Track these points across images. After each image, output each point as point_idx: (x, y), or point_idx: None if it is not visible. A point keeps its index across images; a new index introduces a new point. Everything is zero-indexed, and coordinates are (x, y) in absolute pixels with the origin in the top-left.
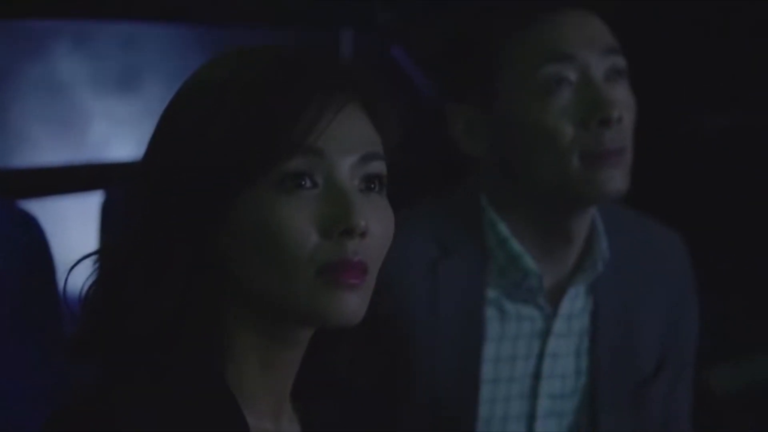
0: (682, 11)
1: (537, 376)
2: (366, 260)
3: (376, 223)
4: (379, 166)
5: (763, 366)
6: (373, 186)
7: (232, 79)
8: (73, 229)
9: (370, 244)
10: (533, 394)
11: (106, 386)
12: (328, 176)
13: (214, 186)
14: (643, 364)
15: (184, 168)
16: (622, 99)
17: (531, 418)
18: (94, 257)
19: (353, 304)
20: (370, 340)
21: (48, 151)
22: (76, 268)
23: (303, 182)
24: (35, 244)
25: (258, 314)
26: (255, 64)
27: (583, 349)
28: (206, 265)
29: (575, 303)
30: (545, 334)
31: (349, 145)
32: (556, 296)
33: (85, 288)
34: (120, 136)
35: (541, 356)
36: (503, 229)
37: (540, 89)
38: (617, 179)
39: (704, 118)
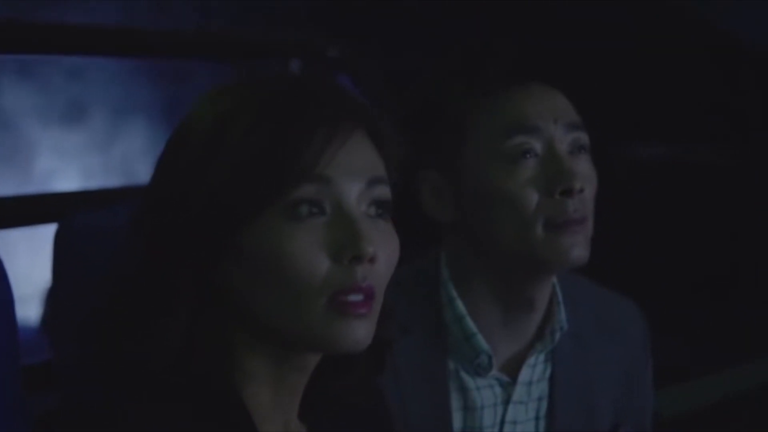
0: (610, 41)
1: None
2: (374, 285)
3: (383, 249)
4: (384, 191)
5: (705, 388)
6: (380, 212)
7: (240, 109)
8: (21, 261)
9: (378, 270)
10: None
11: (119, 409)
12: (336, 203)
13: (224, 215)
14: (598, 429)
15: (193, 197)
16: (584, 172)
17: None
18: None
19: (363, 331)
20: (375, 365)
21: None
22: (27, 300)
23: (312, 210)
24: None
25: (266, 341)
26: (262, 94)
27: (542, 414)
28: (215, 294)
29: (535, 370)
30: (505, 402)
31: (356, 171)
32: (516, 364)
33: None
34: (66, 167)
35: (502, 423)
36: (460, 306)
37: (507, 158)
38: (579, 247)
39: (630, 149)
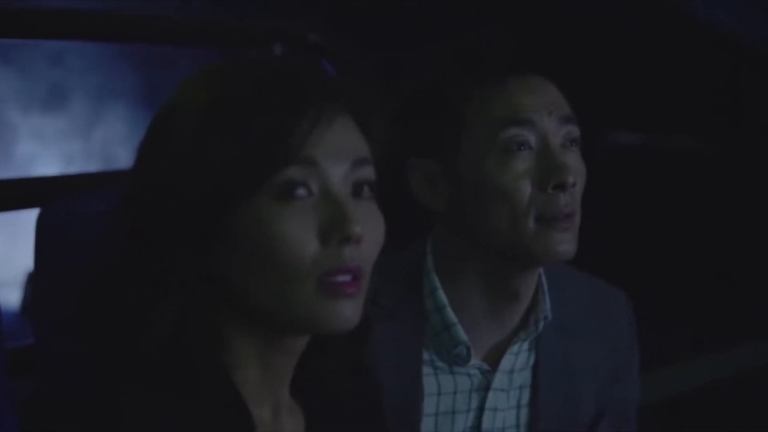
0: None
1: (477, 429)
2: (362, 266)
3: (370, 230)
4: (369, 171)
5: (678, 377)
6: (365, 193)
7: (226, 91)
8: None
9: (364, 250)
10: None
11: (110, 391)
12: (323, 185)
13: (212, 197)
14: (582, 418)
15: (181, 180)
16: (576, 166)
17: None
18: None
19: (351, 310)
20: (360, 343)
21: None
22: (7, 285)
23: (300, 191)
24: None
25: (256, 324)
26: (248, 77)
27: (524, 402)
28: (205, 277)
29: (518, 358)
30: (485, 389)
31: (342, 153)
32: (498, 352)
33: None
34: (46, 152)
35: (481, 410)
36: (441, 296)
37: (502, 150)
38: (568, 242)
39: (603, 137)
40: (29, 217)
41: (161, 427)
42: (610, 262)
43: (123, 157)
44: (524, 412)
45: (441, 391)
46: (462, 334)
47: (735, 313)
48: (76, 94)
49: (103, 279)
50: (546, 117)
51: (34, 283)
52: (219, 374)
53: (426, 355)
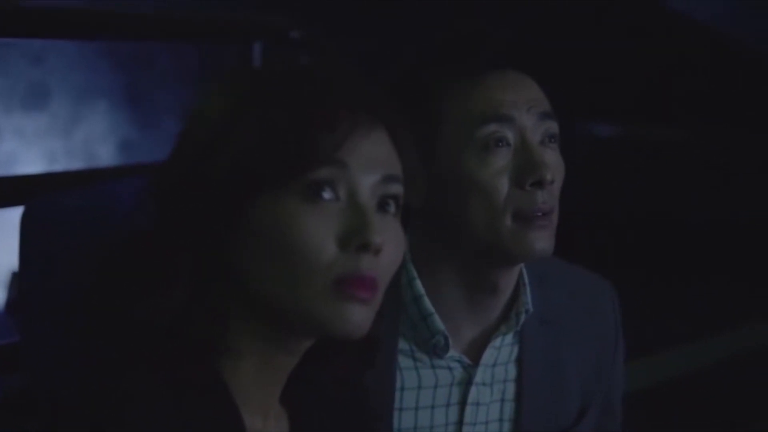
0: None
1: (459, 423)
2: (377, 277)
3: (390, 243)
4: (398, 189)
5: (662, 364)
6: (389, 207)
7: (267, 88)
8: None
9: (382, 263)
10: None
11: (99, 388)
12: (351, 190)
13: (241, 187)
14: (567, 411)
15: (213, 167)
16: (554, 163)
17: None
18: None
19: (361, 316)
20: (365, 361)
21: None
22: None
23: (326, 193)
24: None
25: (263, 319)
26: (292, 76)
27: (509, 396)
28: (219, 267)
29: (500, 352)
30: (466, 383)
31: (375, 165)
32: (479, 345)
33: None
34: (28, 150)
35: (462, 404)
36: (419, 286)
37: (480, 146)
38: (545, 239)
39: (580, 126)
40: (9, 215)
41: (150, 427)
42: (591, 252)
43: (104, 155)
44: (508, 406)
45: (421, 384)
46: (439, 323)
47: (714, 302)
48: (57, 93)
49: (116, 261)
50: (525, 113)
51: (20, 280)
52: (213, 376)
53: (404, 345)
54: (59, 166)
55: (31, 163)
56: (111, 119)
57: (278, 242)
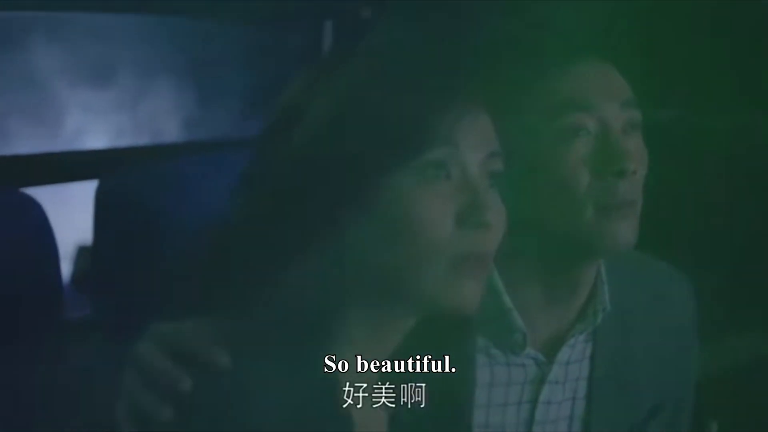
0: None
1: (530, 421)
2: (487, 251)
3: (498, 218)
4: (499, 164)
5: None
6: (493, 183)
7: (385, 69)
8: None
9: (494, 238)
10: None
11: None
12: (461, 169)
13: (355, 169)
14: (639, 409)
15: (326, 149)
16: (637, 152)
17: None
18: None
19: (475, 292)
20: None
21: (23, 141)
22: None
23: (440, 173)
24: (36, 226)
25: (372, 296)
26: (406, 60)
27: (581, 394)
28: (335, 244)
29: (574, 350)
30: (539, 381)
31: (481, 142)
32: (555, 343)
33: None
34: (94, 126)
35: (534, 402)
36: (498, 282)
37: (558, 138)
38: (629, 231)
39: None
40: (76, 190)
41: (259, 403)
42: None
43: (169, 131)
44: (579, 405)
45: (494, 382)
46: (518, 320)
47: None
48: (121, 68)
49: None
50: (606, 102)
51: (92, 255)
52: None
53: (481, 342)
54: (126, 142)
55: (95, 138)
56: (174, 96)
57: (398, 223)
